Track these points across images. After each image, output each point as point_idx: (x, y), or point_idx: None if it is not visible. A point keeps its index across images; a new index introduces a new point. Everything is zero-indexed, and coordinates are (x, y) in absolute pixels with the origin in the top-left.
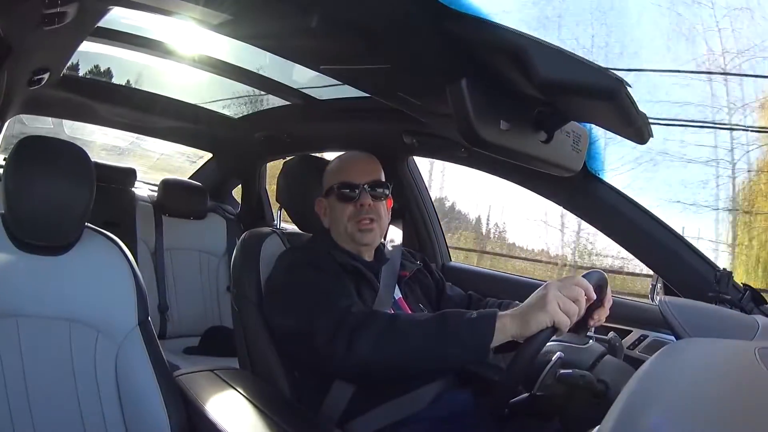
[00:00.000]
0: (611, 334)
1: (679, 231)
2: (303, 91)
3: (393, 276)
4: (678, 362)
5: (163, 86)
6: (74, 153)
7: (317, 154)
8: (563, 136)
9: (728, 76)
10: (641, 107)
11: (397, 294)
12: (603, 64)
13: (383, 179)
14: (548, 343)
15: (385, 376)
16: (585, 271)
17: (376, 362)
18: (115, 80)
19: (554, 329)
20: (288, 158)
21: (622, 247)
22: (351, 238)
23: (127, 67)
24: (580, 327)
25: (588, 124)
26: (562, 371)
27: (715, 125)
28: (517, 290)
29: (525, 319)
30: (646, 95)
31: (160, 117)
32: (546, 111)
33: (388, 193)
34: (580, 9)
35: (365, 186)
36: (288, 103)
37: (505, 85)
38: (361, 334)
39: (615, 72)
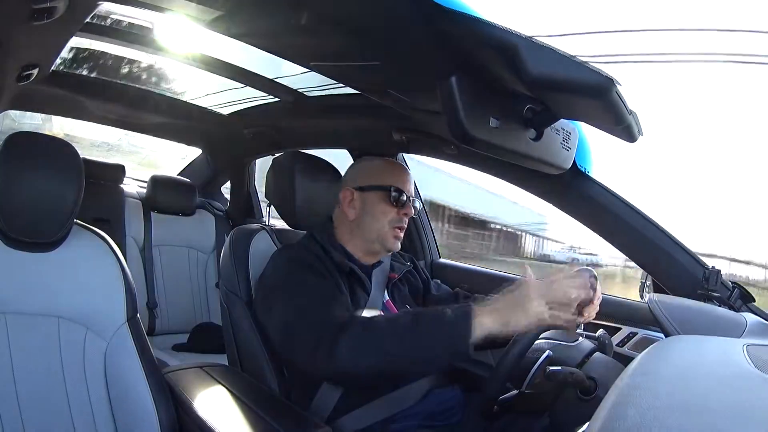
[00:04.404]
0: (600, 331)
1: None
2: (293, 87)
3: (383, 279)
4: (667, 359)
5: (153, 82)
6: (63, 149)
7: (307, 151)
8: (553, 133)
9: None
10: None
11: (385, 297)
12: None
13: None
14: (537, 341)
15: (370, 380)
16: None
17: (357, 369)
18: (104, 76)
19: (541, 329)
20: (277, 155)
21: (612, 244)
22: (380, 239)
23: (117, 63)
24: (569, 324)
25: (578, 122)
26: (551, 368)
27: None
28: (505, 287)
29: (504, 319)
30: None
31: (149, 113)
32: (536, 108)
33: (418, 210)
34: None
35: (411, 198)
36: (277, 99)
37: (495, 83)
38: (340, 344)
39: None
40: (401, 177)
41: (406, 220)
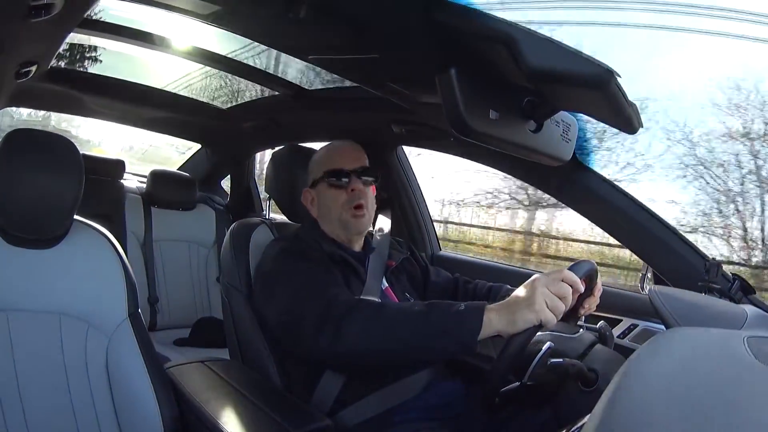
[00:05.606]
0: (601, 323)
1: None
2: (292, 81)
3: (380, 266)
4: (668, 351)
5: (152, 77)
6: (63, 145)
7: (306, 144)
8: (553, 125)
9: None
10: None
11: (384, 284)
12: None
13: (368, 165)
14: (539, 333)
15: (372, 365)
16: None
17: (363, 350)
18: (103, 72)
19: (540, 326)
20: (277, 148)
21: (612, 236)
22: (344, 226)
23: (115, 57)
24: (570, 316)
25: (578, 114)
26: (552, 360)
27: None
28: (506, 280)
29: (512, 317)
30: None
31: (149, 108)
32: (535, 100)
33: (375, 179)
34: None
35: (354, 172)
36: (277, 93)
37: (494, 75)
38: (349, 323)
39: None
40: (337, 156)
41: (359, 194)
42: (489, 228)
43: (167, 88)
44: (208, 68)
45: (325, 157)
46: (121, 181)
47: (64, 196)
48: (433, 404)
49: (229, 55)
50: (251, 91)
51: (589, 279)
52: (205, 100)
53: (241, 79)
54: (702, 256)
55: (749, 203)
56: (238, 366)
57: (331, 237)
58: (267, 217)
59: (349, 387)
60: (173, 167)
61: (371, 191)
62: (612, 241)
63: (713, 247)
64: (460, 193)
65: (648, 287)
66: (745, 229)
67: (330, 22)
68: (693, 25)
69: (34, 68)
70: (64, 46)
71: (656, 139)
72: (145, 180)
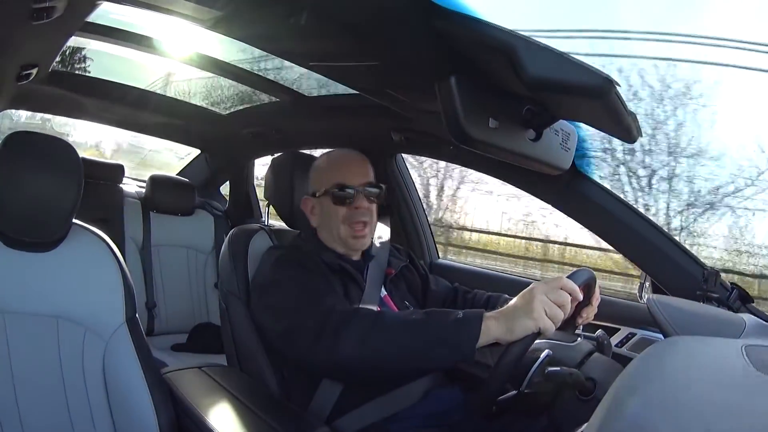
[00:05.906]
0: (599, 331)
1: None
2: (292, 87)
3: (379, 274)
4: (666, 360)
5: (150, 81)
6: (62, 149)
7: (305, 151)
8: (552, 134)
9: None
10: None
11: (383, 292)
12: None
13: (374, 180)
14: (536, 341)
15: (371, 375)
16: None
17: (360, 361)
18: (103, 75)
19: (539, 334)
20: (276, 154)
21: (611, 245)
22: (343, 242)
23: (115, 61)
24: (568, 325)
25: (577, 123)
26: (550, 369)
27: None
28: (505, 288)
29: (510, 325)
30: None
31: (148, 113)
32: (535, 109)
33: (381, 193)
34: None
35: (360, 188)
36: (276, 99)
37: (494, 83)
38: (346, 333)
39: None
40: (344, 170)
41: (363, 212)
42: None
43: (166, 87)
44: (206, 73)
45: (331, 168)
46: (121, 185)
47: (63, 199)
48: (431, 412)
49: (229, 61)
50: (251, 96)
51: (588, 288)
52: (204, 105)
53: (240, 85)
54: (700, 265)
55: None
56: (236, 372)
57: (330, 247)
58: (266, 223)
59: (347, 395)
60: (172, 172)
61: (375, 206)
62: None
63: None
64: None
65: (646, 296)
66: None
67: (331, 29)
68: None
69: (34, 71)
70: (64, 50)
71: None
72: (144, 185)
